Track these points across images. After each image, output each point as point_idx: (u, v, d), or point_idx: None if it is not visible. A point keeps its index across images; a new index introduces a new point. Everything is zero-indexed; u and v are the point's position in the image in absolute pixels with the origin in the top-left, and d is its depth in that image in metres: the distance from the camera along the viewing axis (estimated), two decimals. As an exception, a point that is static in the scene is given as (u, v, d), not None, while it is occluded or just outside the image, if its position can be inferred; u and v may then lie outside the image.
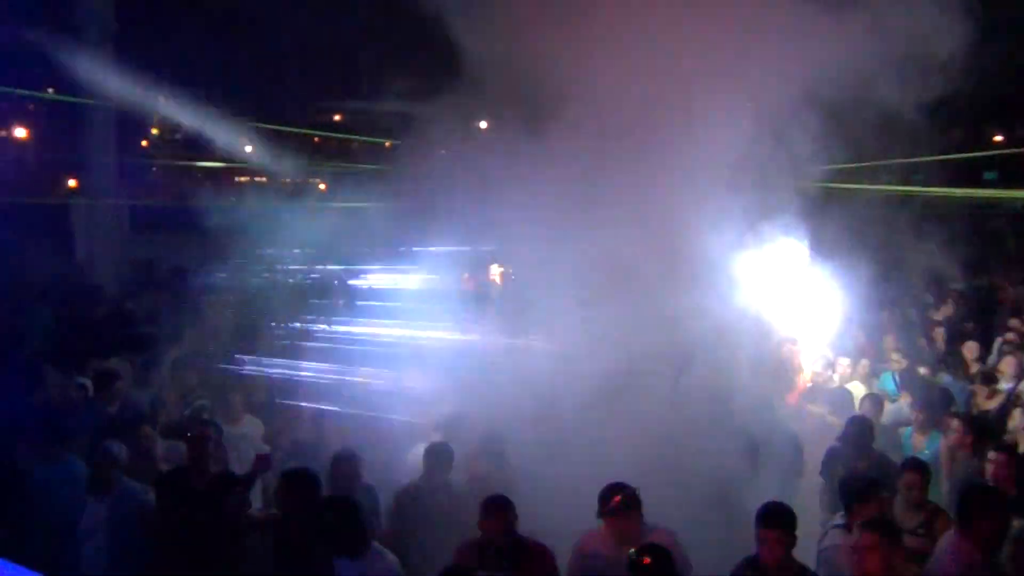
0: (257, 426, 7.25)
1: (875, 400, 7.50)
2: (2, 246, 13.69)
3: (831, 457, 6.37)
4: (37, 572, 1.67)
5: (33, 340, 11.24)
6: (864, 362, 8.66)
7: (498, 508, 4.50)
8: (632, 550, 4.00)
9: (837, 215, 9.15)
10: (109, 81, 14.64)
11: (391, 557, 4.57)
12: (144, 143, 20.97)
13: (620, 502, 4.48)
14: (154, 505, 5.35)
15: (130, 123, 17.67)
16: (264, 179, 20.57)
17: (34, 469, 6.06)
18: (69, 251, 14.53)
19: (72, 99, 14.41)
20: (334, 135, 15.64)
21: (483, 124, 12.06)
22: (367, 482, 5.62)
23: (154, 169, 21.29)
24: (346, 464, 5.53)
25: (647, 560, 3.89)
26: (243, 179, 20.96)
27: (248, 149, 20.85)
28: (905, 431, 7.38)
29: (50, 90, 16.29)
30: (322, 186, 20.89)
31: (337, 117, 19.27)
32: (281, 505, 5.18)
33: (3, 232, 14.07)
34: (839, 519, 4.94)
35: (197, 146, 20.05)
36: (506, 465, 5.80)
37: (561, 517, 4.92)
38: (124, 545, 5.22)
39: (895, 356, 8.97)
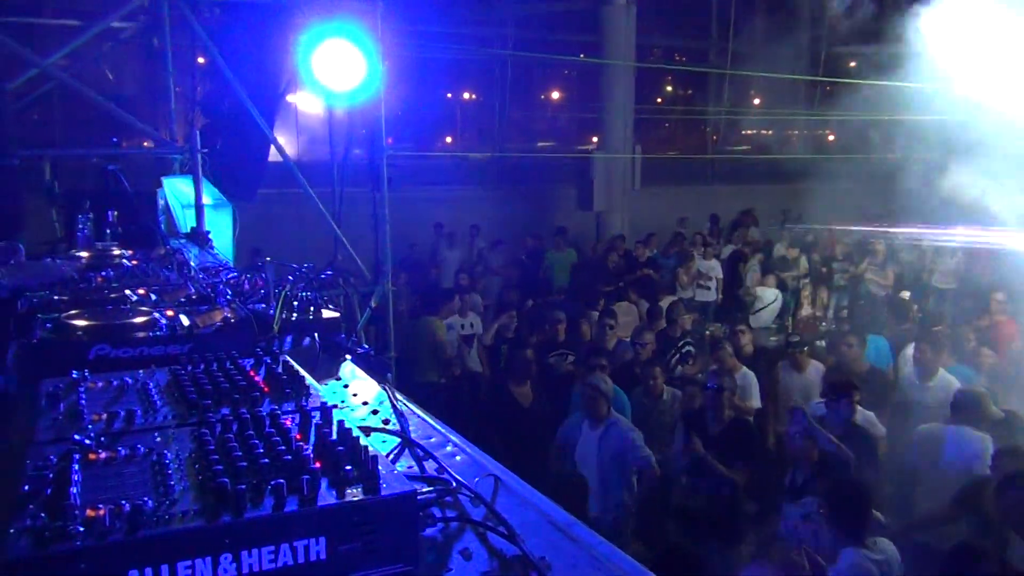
0: (749, 378, 7.28)
1: None
2: (534, 196, 15.74)
3: None
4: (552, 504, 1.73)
5: (553, 281, 12.68)
6: None
7: None
8: None
9: None
10: (630, 43, 15.65)
11: None
12: (659, 100, 22.00)
13: None
14: (636, 441, 5.68)
15: (647, 81, 18.71)
16: (769, 131, 20.23)
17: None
18: (588, 201, 15.97)
19: (599, 61, 15.69)
20: (846, 81, 14.62)
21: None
22: None
23: (666, 124, 22.30)
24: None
25: None
26: (749, 131, 20.84)
27: (756, 101, 20.68)
28: None
29: (580, 55, 17.96)
30: (831, 136, 19.82)
31: (852, 64, 18.01)
32: None
33: (538, 183, 16.14)
34: None
35: (702, 99, 20.47)
36: None
37: None
38: (609, 472, 5.64)
39: None
